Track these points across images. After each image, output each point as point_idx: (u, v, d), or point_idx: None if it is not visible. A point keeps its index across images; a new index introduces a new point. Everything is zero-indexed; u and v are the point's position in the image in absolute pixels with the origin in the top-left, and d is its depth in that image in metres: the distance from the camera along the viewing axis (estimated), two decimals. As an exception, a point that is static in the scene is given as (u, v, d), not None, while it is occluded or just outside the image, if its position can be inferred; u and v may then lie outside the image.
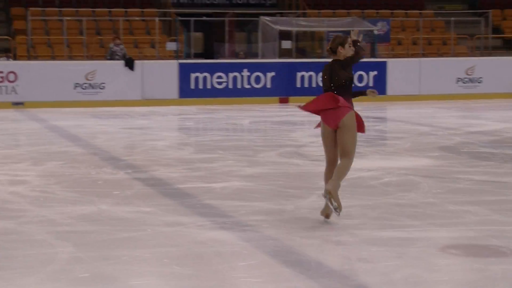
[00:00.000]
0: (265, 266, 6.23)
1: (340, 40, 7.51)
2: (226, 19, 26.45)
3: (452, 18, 27.98)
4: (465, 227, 7.48)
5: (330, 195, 7.28)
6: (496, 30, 28.92)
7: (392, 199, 8.84)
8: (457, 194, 9.17)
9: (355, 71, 22.69)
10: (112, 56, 22.50)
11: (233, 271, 6.16)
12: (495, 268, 6.12)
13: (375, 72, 23.29)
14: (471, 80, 24.08)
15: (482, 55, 26.27)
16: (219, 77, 22.66)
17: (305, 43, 27.43)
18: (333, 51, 7.52)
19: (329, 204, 7.33)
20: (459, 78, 24.00)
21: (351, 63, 7.50)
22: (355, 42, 7.50)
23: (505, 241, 6.92)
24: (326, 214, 7.63)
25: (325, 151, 7.68)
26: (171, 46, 24.37)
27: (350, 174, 10.45)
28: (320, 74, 22.43)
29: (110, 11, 26.89)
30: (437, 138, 14.45)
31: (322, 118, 7.50)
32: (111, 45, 22.79)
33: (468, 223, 7.66)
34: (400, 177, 10.31)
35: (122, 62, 21.98)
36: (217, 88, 22.63)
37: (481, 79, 24.07)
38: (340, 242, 6.92)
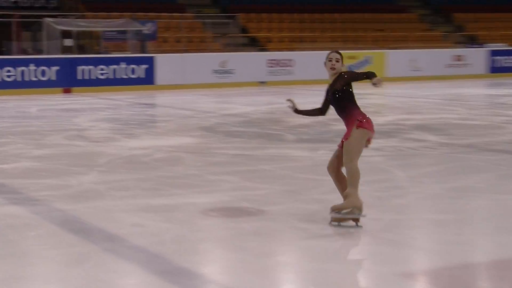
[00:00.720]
0: (52, 234, 6.07)
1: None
2: (13, 20, 25.33)
3: (208, 20, 28.45)
4: (222, 193, 7.65)
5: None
6: (244, 30, 29.74)
7: (162, 172, 8.88)
8: (214, 166, 9.36)
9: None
10: None
11: (24, 240, 5.94)
12: (246, 226, 6.33)
13: (146, 66, 23.26)
14: (225, 72, 24.61)
15: (233, 50, 26.89)
16: (8, 71, 21.69)
17: (84, 41, 26.93)
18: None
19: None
20: (215, 70, 24.44)
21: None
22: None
23: (254, 203, 7.15)
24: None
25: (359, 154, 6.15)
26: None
27: (125, 152, 10.43)
28: (101, 67, 22.41)
29: None
30: (198, 120, 14.66)
31: (371, 128, 6.10)
32: None
33: (224, 190, 7.84)
34: (168, 154, 10.37)
35: None
36: (7, 81, 21.65)
37: (233, 70, 24.65)
38: (118, 210, 6.87)
